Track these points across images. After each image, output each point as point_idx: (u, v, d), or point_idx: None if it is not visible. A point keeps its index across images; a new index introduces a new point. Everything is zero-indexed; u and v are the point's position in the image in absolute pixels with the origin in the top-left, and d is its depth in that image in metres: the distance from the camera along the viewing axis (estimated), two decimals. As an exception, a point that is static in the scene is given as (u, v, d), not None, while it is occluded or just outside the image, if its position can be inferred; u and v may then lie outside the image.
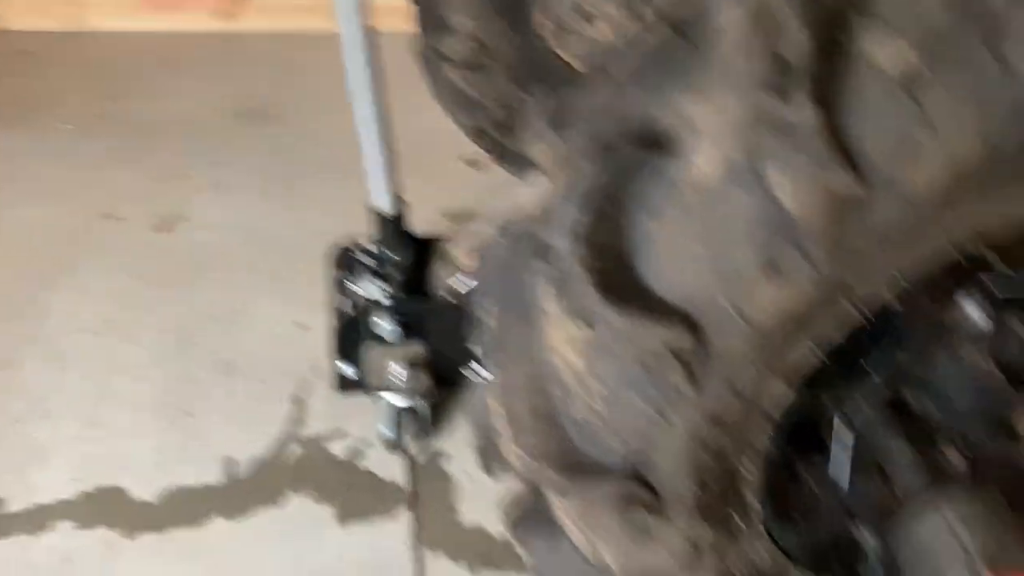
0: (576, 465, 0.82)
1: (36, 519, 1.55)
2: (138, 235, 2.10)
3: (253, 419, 1.70)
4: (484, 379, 0.88)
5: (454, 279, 1.53)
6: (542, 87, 1.26)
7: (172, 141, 2.34)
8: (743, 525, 0.92)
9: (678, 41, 0.73)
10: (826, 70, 0.66)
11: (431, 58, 1.53)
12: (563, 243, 0.74)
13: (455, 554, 1.49)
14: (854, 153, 0.66)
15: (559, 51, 1.21)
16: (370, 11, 1.30)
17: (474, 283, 0.89)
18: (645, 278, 0.73)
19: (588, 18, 1.10)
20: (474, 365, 0.91)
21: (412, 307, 1.56)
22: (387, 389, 1.57)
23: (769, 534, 0.95)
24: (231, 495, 1.59)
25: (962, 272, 0.85)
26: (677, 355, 0.72)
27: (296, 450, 1.66)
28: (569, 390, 0.81)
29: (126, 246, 2.07)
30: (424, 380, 1.57)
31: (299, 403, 1.73)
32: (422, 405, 1.60)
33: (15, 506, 1.57)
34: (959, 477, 0.97)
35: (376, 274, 1.58)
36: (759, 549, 0.94)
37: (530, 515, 0.98)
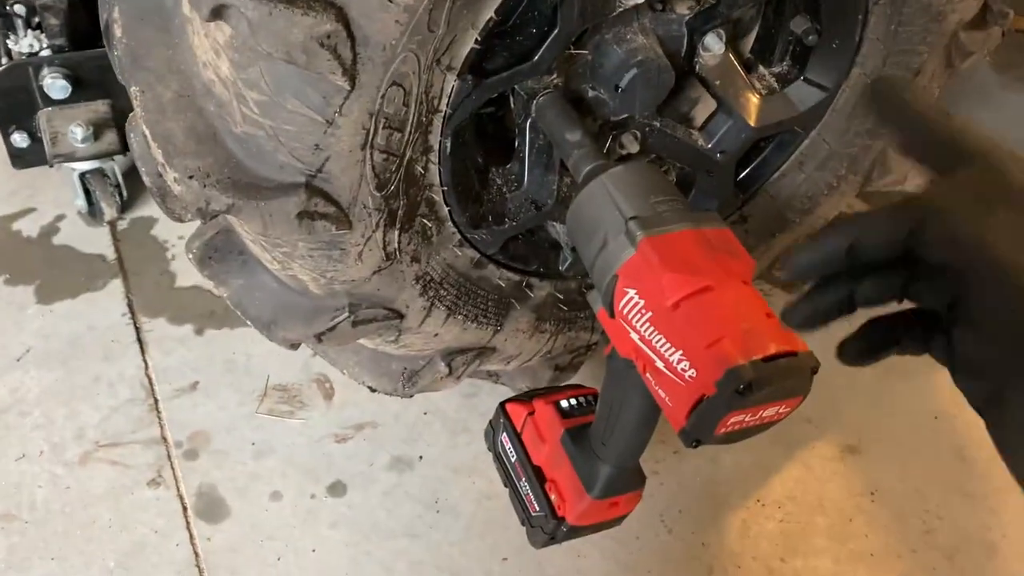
0: (247, 185, 0.77)
1: None
2: None
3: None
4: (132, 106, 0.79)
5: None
6: None
7: None
8: (435, 228, 0.93)
9: None
10: None
11: None
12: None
13: (177, 318, 1.44)
14: None
15: None
16: None
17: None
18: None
19: None
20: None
21: (80, 58, 1.38)
22: (69, 156, 1.42)
23: (464, 236, 0.97)
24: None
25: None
26: (325, 45, 0.67)
27: (-23, 235, 1.49)
28: (223, 102, 0.74)
29: None
30: (110, 139, 1.42)
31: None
32: (111, 167, 1.46)
33: None
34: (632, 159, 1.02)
35: (29, 23, 1.37)
36: (454, 251, 0.96)
37: (220, 250, 0.94)
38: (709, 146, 1.07)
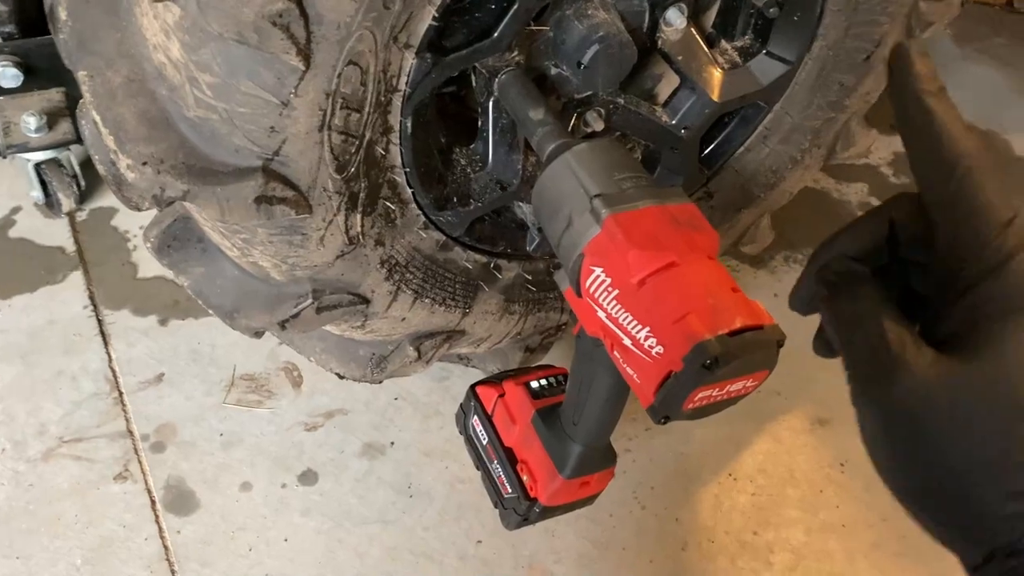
0: (202, 170, 0.75)
1: None
2: None
3: None
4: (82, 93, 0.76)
5: None
6: None
7: None
8: (399, 211, 0.91)
9: None
10: None
11: None
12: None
13: (140, 309, 1.41)
14: None
15: None
16: None
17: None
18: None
19: None
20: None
21: (31, 45, 1.34)
22: (23, 146, 1.38)
23: (429, 218, 0.95)
24: None
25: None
26: (278, 24, 0.65)
27: (-72, 230, 1.46)
28: (175, 85, 0.72)
29: None
30: (65, 128, 1.38)
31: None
32: (67, 157, 1.43)
33: None
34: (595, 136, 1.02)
35: (-25, 9, 1.32)
36: (419, 234, 0.95)
37: (179, 238, 0.92)
38: (673, 122, 1.06)
